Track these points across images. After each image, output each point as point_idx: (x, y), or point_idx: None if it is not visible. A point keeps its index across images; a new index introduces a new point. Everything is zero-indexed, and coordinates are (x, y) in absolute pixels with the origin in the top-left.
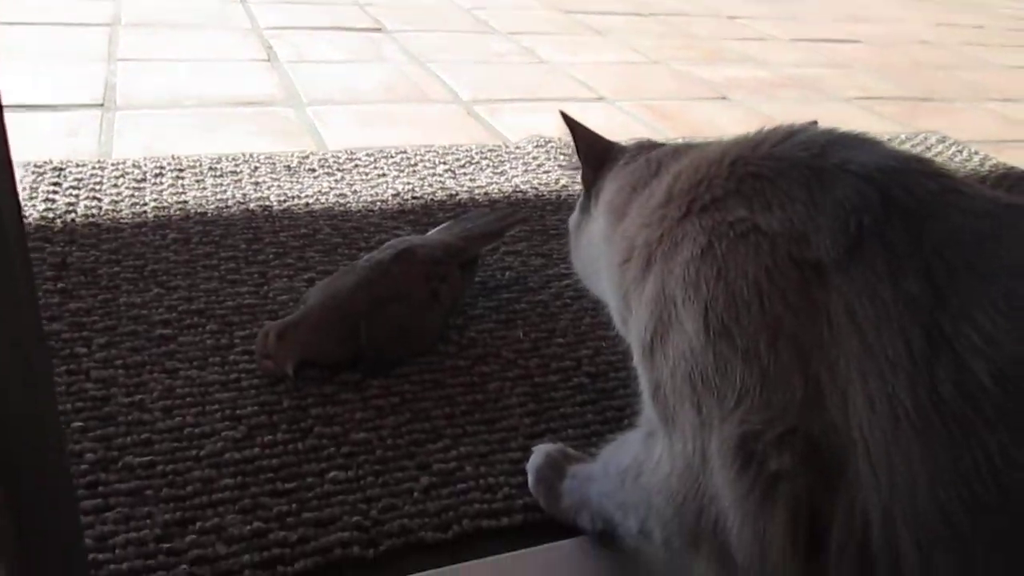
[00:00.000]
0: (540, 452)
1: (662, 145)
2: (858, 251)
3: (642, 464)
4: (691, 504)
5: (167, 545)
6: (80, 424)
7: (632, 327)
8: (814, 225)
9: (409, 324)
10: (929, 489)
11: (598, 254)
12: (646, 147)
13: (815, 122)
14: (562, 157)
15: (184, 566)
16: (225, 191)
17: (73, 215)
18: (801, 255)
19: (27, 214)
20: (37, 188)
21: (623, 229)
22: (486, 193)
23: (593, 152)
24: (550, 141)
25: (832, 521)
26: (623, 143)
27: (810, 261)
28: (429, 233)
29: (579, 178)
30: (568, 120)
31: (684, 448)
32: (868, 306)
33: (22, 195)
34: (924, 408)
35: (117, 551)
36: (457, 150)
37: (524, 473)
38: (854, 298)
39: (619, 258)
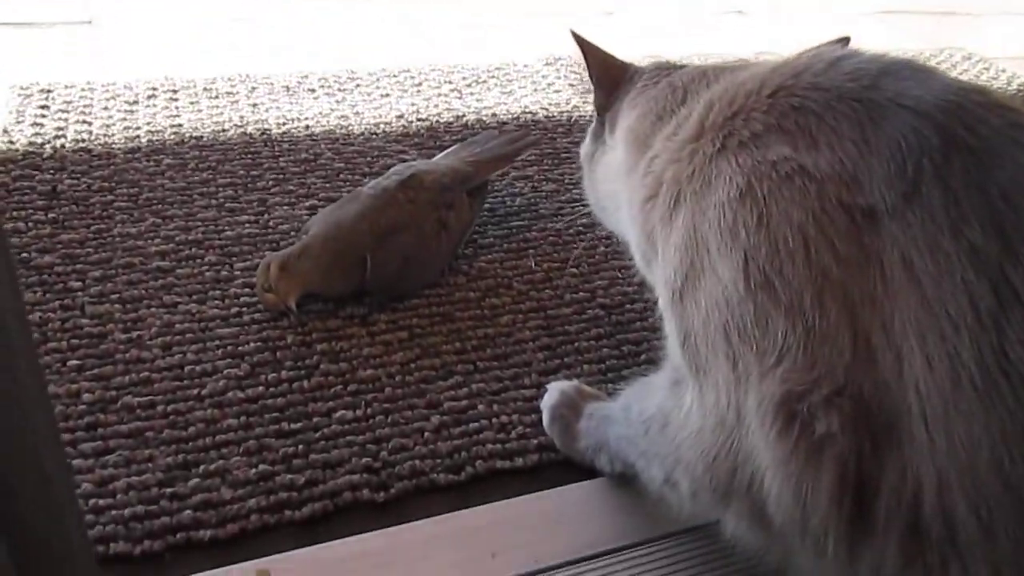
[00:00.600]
0: (555, 390)
1: (683, 67)
2: (916, 196)
3: (669, 414)
4: (724, 461)
5: (170, 489)
6: (77, 362)
7: (658, 270)
8: (866, 167)
9: (416, 254)
10: (992, 455)
11: (617, 188)
12: (665, 69)
13: (847, 39)
14: (573, 76)
15: (188, 511)
16: (222, 113)
17: (63, 140)
18: (852, 200)
19: (15, 140)
20: (24, 112)
21: (647, 162)
22: (494, 114)
23: (608, 74)
24: (560, 59)
25: (880, 485)
26: (638, 64)
27: (861, 207)
28: (436, 158)
29: (591, 101)
30: (579, 40)
31: (716, 402)
32: (927, 257)
33: (8, 119)
34: (989, 370)
35: (118, 496)
36: (463, 68)
37: (538, 411)
38: (911, 248)
39: (644, 194)
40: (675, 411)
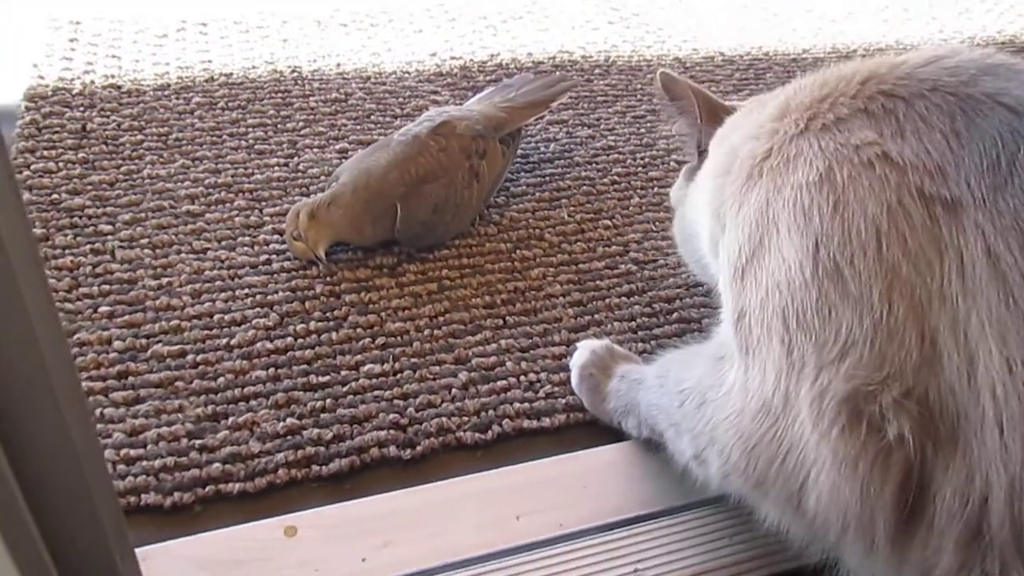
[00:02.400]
0: (585, 348)
1: None
2: (1009, 188)
3: (707, 391)
4: (764, 450)
5: (199, 441)
6: (107, 308)
7: (723, 247)
8: (955, 158)
9: (446, 204)
10: None
11: (699, 214)
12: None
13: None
14: (613, 14)
15: (217, 464)
16: (251, 49)
17: (92, 76)
18: (935, 190)
19: (45, 75)
20: (53, 45)
21: (723, 143)
22: (529, 53)
23: (713, 117)
24: None
25: (941, 488)
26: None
27: (944, 198)
28: (468, 102)
29: (674, 136)
30: (682, 83)
31: (762, 385)
32: (1016, 253)
33: (38, 54)
34: None
35: (149, 447)
36: (498, 3)
37: (567, 369)
38: (999, 242)
39: (717, 170)
40: (714, 388)
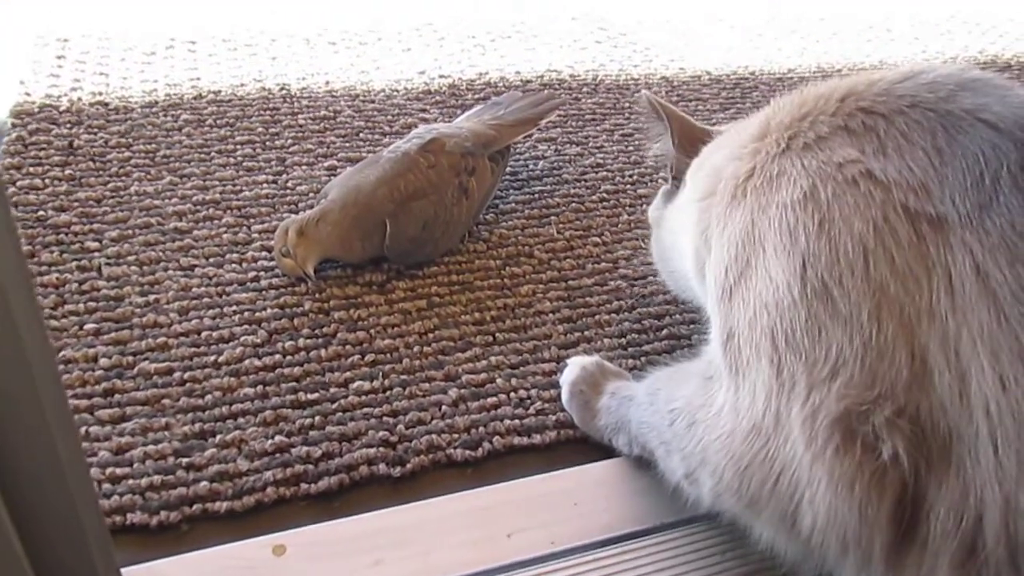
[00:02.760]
0: (575, 365)
1: None
2: (995, 207)
3: (697, 411)
4: (757, 470)
5: (186, 459)
6: (94, 326)
7: (710, 268)
8: (937, 175)
9: (436, 221)
10: None
11: (678, 237)
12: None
13: None
14: (600, 34)
15: (204, 482)
16: (240, 67)
17: (80, 93)
18: (920, 207)
19: (31, 91)
20: (41, 62)
21: (705, 164)
22: (518, 72)
23: (689, 140)
24: (587, 14)
25: (935, 505)
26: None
27: (929, 215)
28: (458, 120)
29: (657, 155)
30: (659, 105)
31: (752, 406)
32: (1007, 270)
33: (25, 70)
34: None
35: (135, 465)
36: (487, 23)
37: (557, 386)
38: (987, 259)
39: (701, 193)
40: (704, 409)
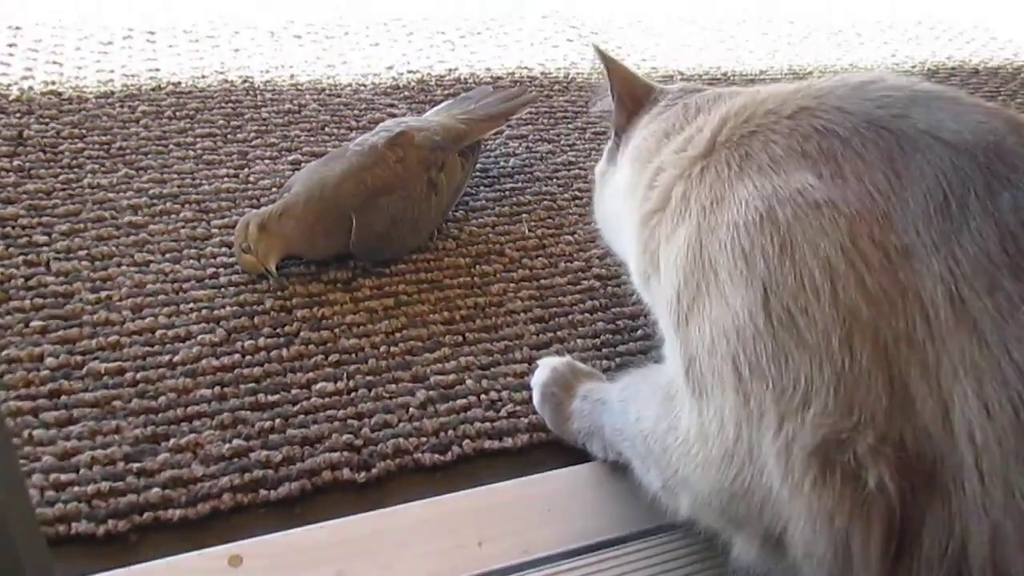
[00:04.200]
0: (547, 366)
1: (706, 89)
2: (966, 233)
3: (665, 436)
4: (735, 496)
5: (137, 465)
6: (40, 323)
7: (659, 290)
8: (899, 202)
9: (404, 217)
10: None
11: (621, 208)
12: (689, 92)
13: None
14: (572, 32)
15: (156, 489)
16: (202, 58)
17: (31, 82)
18: (884, 238)
19: None
20: None
21: (652, 175)
22: (488, 68)
23: (631, 94)
24: (558, 12)
25: (920, 533)
26: (666, 86)
27: (895, 245)
28: (427, 114)
29: (602, 111)
30: (603, 56)
31: (721, 433)
32: (985, 297)
33: None
34: None
35: (82, 471)
36: (457, 19)
37: (529, 387)
38: (963, 286)
39: (648, 208)
40: (671, 433)
